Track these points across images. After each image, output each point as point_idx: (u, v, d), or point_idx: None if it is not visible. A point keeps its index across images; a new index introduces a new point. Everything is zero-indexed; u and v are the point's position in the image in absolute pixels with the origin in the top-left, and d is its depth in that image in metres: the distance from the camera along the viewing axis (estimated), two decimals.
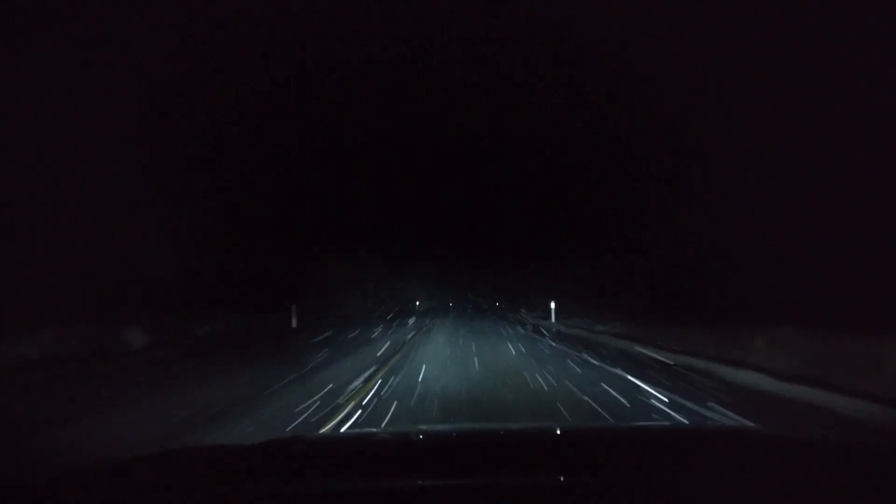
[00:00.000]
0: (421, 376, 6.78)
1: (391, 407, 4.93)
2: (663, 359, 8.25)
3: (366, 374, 6.90)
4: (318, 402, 5.11)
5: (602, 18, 11.24)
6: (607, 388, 5.77)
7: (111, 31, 10.28)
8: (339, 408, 4.90)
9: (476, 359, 8.52)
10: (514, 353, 9.51)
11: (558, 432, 1.92)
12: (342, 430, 4.23)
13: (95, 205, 10.78)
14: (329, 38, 14.12)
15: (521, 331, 14.88)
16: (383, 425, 4.41)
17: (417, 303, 43.17)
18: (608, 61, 12.60)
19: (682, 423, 4.30)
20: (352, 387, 5.99)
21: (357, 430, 3.78)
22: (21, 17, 8.79)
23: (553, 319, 18.16)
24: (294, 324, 16.75)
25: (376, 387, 6.00)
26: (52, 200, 9.74)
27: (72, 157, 10.13)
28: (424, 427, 2.91)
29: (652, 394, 5.45)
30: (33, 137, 9.40)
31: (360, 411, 4.79)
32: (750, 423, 4.33)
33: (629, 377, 6.49)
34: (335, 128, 19.61)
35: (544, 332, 14.70)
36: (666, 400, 5.13)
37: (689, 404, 4.93)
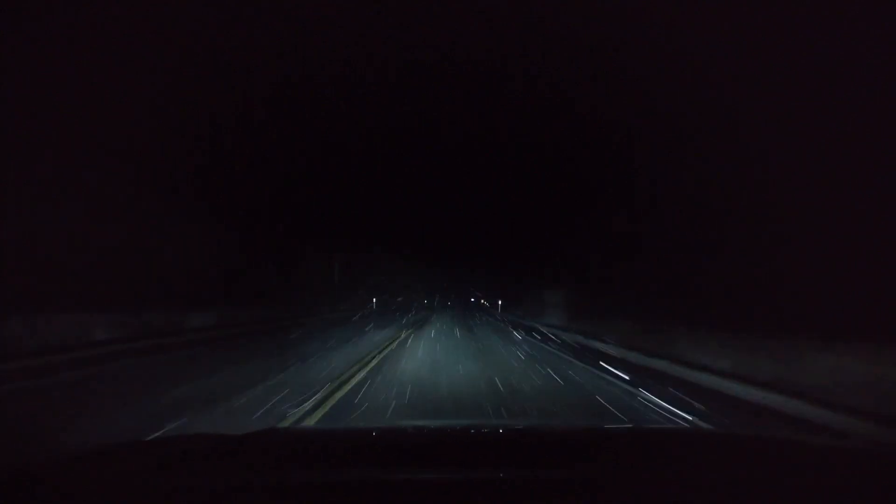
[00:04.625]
0: None
1: None
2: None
3: None
4: None
5: (598, 21, 11.29)
6: None
7: (115, 31, 10.26)
8: None
9: None
10: None
11: (547, 430, 1.92)
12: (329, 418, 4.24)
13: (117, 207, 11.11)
14: (326, 39, 14.10)
15: None
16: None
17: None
18: (607, 66, 12.65)
19: (672, 425, 4.35)
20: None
21: (346, 425, 3.78)
22: (27, 21, 8.79)
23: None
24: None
25: None
26: (55, 199, 9.80)
27: (74, 158, 10.18)
28: (416, 423, 2.91)
29: None
30: (37, 138, 9.42)
31: None
32: (707, 425, 4.42)
33: None
34: (327, 130, 19.65)
35: None
36: None
37: None
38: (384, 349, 10.52)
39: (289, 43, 13.71)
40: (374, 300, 38.25)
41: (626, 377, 7.20)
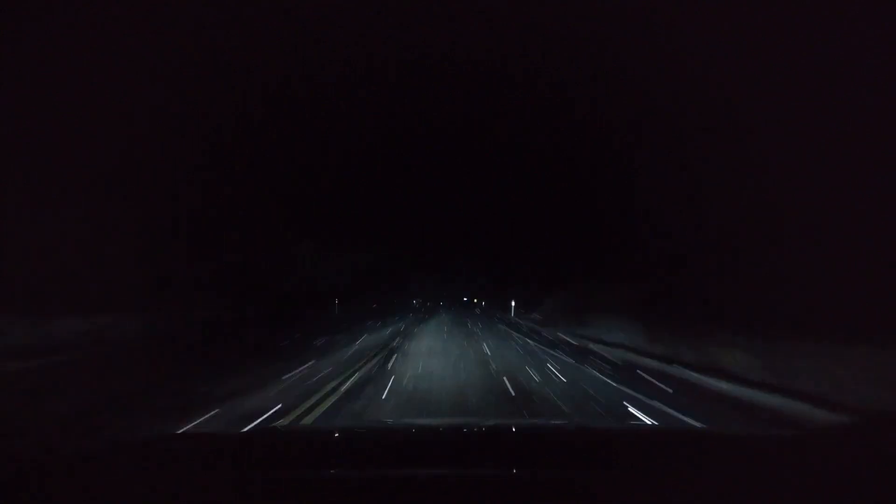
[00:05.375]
0: None
1: None
2: None
3: None
4: None
5: (600, 23, 11.29)
6: None
7: (117, 31, 10.28)
8: None
9: None
10: None
11: (547, 430, 1.92)
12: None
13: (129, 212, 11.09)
14: (329, 42, 14.11)
15: None
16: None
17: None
18: (607, 66, 12.65)
19: (672, 426, 4.36)
20: None
21: (344, 424, 3.78)
22: (27, 21, 8.80)
23: None
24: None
25: None
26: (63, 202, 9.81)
27: (77, 159, 10.20)
28: (414, 421, 2.91)
29: None
30: (38, 138, 9.43)
31: None
32: (700, 425, 4.41)
33: None
34: (326, 130, 19.65)
35: None
36: None
37: None
38: None
39: (289, 43, 13.71)
40: (336, 301, 29.66)
41: None
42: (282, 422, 4.51)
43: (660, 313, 11.29)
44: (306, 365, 9.24)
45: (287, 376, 7.95)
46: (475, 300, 54.09)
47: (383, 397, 6.71)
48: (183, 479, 1.05)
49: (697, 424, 4.58)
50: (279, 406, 5.69)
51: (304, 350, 11.94)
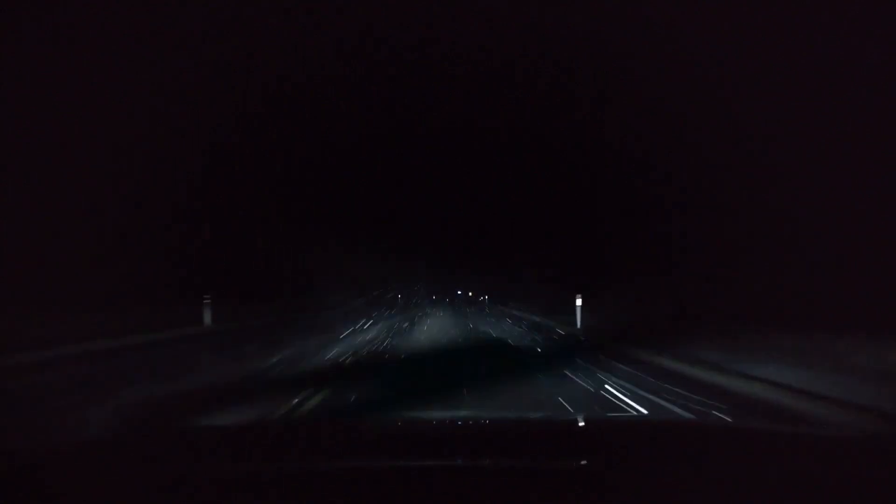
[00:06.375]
0: None
1: None
2: None
3: None
4: None
5: (601, 22, 11.29)
6: None
7: (117, 30, 10.29)
8: None
9: None
10: None
11: (552, 422, 1.91)
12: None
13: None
14: (329, 41, 14.13)
15: None
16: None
17: None
18: (606, 66, 12.64)
19: (681, 417, 4.34)
20: None
21: (339, 417, 3.79)
22: (27, 21, 8.80)
23: None
24: None
25: None
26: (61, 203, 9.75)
27: (84, 161, 10.17)
28: (414, 414, 2.92)
29: None
30: (43, 139, 9.42)
31: None
32: (725, 418, 4.37)
33: None
34: (323, 129, 19.57)
35: None
36: None
37: None
38: None
39: (289, 43, 13.73)
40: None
41: None
42: (276, 416, 4.52)
43: None
44: None
45: None
46: (470, 293, 44.22)
47: None
48: (181, 474, 1.05)
49: (694, 417, 4.55)
50: None
51: None
